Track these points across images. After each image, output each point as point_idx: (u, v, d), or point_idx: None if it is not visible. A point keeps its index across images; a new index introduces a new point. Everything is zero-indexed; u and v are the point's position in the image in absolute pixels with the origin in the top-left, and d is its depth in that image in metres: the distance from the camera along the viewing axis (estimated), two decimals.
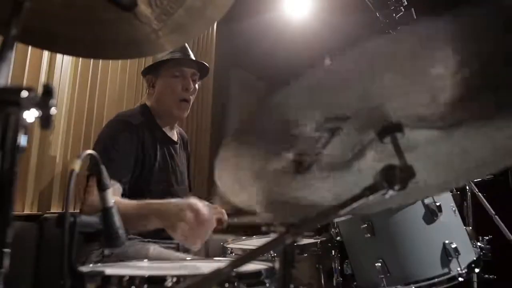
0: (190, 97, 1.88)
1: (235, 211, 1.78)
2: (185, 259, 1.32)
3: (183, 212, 1.28)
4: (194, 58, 1.92)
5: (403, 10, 2.11)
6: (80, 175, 1.54)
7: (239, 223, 1.82)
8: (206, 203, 1.89)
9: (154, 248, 1.56)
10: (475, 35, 0.46)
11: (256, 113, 0.56)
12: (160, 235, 1.68)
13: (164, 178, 1.80)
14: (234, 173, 0.70)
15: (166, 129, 1.91)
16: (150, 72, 1.92)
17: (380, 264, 1.48)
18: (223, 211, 1.90)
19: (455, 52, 0.48)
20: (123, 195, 1.56)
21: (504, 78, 0.55)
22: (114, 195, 0.92)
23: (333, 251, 1.62)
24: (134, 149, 1.68)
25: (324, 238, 1.64)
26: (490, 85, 0.56)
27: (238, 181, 0.72)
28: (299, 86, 0.52)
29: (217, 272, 0.55)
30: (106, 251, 1.56)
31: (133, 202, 1.42)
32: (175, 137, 1.97)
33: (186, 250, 1.79)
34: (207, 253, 1.83)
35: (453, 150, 0.69)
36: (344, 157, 0.69)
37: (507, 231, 2.00)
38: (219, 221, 1.87)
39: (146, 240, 1.65)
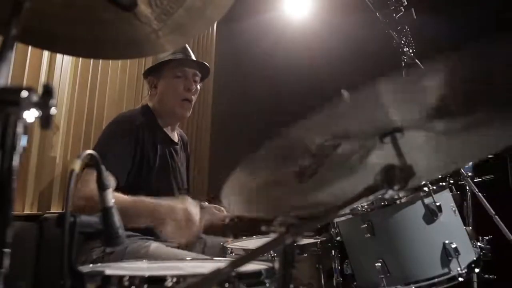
0: (192, 97, 1.90)
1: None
2: (185, 258, 1.32)
3: (175, 212, 1.30)
4: (195, 59, 1.94)
5: (403, 10, 2.11)
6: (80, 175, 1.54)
7: (240, 221, 1.82)
8: (199, 202, 1.90)
9: (154, 246, 1.57)
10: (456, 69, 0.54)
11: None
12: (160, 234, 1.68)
13: (164, 178, 1.81)
14: (240, 193, 0.72)
15: (167, 130, 1.93)
16: (152, 73, 1.93)
17: (380, 264, 1.48)
18: (223, 208, 1.91)
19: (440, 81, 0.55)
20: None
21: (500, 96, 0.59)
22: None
23: (333, 251, 1.62)
24: (133, 150, 1.69)
25: (324, 238, 1.64)
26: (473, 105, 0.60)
27: (242, 197, 0.74)
28: (315, 119, 0.56)
29: (217, 272, 0.55)
30: (107, 249, 1.56)
31: (127, 198, 1.42)
32: (175, 138, 1.98)
33: (186, 248, 1.79)
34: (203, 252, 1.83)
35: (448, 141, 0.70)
36: (349, 160, 0.70)
37: (507, 231, 2.00)
38: (219, 219, 1.87)
39: (145, 237, 1.65)
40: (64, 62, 2.11)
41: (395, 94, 0.56)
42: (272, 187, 0.72)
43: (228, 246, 1.59)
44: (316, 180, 0.71)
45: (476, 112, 0.61)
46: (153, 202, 1.42)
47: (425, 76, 0.54)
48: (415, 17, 2.12)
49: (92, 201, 1.26)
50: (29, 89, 0.51)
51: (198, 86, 1.94)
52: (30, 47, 1.82)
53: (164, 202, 1.39)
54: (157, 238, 1.67)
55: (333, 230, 1.67)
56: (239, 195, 0.73)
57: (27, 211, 1.90)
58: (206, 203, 1.98)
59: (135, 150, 1.70)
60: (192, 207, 1.33)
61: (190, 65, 1.91)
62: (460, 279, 1.44)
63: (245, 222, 1.88)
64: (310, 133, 0.60)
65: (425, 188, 1.51)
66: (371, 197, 0.59)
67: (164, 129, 1.91)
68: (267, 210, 0.80)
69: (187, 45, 1.94)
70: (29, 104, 0.51)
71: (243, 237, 1.81)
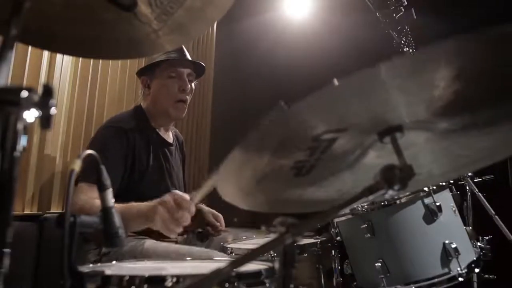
0: (187, 97, 1.86)
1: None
2: (183, 257, 1.32)
3: (163, 198, 1.28)
4: (189, 58, 1.90)
5: (403, 10, 2.11)
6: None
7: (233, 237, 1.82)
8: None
9: (149, 243, 1.56)
10: (472, 55, 0.50)
11: (265, 124, 0.57)
12: (155, 232, 1.67)
13: (158, 181, 1.78)
14: (237, 181, 0.71)
15: (160, 131, 1.89)
16: (145, 73, 1.90)
17: (380, 264, 1.48)
18: (220, 216, 1.89)
19: (452, 68, 0.53)
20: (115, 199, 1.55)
21: (498, 93, 0.58)
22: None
23: (333, 251, 1.62)
24: (124, 155, 1.66)
25: (324, 238, 1.64)
26: (484, 98, 0.59)
27: (240, 188, 0.73)
28: (314, 99, 0.54)
29: (217, 272, 0.55)
30: (104, 250, 1.56)
31: (118, 206, 1.39)
32: (170, 139, 1.94)
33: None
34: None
35: (451, 146, 0.70)
36: (346, 157, 0.70)
37: (507, 231, 2.00)
38: (215, 228, 1.86)
39: (140, 237, 1.64)
40: (64, 62, 2.11)
41: (400, 84, 0.54)
42: (269, 180, 0.72)
43: (228, 246, 1.59)
44: (313, 176, 0.71)
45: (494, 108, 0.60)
46: (143, 203, 1.38)
47: (437, 64, 0.51)
48: (415, 17, 2.12)
49: (84, 210, 1.27)
50: (29, 89, 0.51)
51: (193, 85, 1.90)
52: (30, 47, 1.81)
53: (154, 200, 1.37)
54: (152, 237, 1.66)
55: (333, 230, 1.67)
56: (235, 184, 0.72)
57: (27, 211, 1.90)
58: (203, 205, 1.98)
59: (127, 154, 1.67)
60: (181, 193, 1.30)
61: (184, 64, 1.86)
62: (460, 279, 1.45)
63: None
64: (309, 118, 0.59)
65: (425, 188, 1.51)
66: (371, 197, 0.59)
67: (157, 131, 1.87)
68: (263, 203, 0.79)
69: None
70: (29, 104, 0.51)
71: (243, 237, 1.81)
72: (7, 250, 0.51)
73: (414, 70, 0.53)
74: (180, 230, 1.28)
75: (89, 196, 1.42)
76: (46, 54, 1.97)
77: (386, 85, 0.54)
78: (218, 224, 1.88)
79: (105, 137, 1.69)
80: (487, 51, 0.50)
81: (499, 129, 0.66)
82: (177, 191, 1.31)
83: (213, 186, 1.36)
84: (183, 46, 1.90)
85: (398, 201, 1.51)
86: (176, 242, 1.78)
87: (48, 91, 0.52)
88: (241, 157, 0.64)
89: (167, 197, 1.27)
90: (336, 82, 0.51)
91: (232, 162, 0.64)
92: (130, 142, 1.70)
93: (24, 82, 1.86)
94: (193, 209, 1.28)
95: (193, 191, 1.34)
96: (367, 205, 1.55)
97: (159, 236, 1.67)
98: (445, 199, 1.56)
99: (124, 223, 1.33)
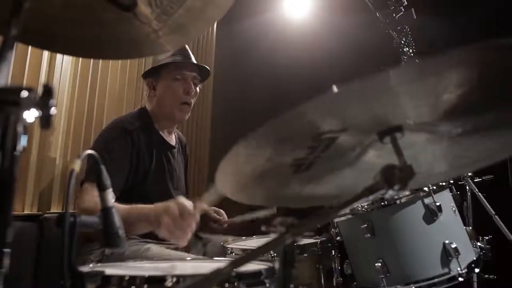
0: (191, 100, 1.88)
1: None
2: (185, 259, 1.32)
3: (168, 209, 1.29)
4: (195, 61, 1.91)
5: (403, 10, 2.11)
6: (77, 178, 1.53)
7: (240, 221, 1.81)
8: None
9: (153, 249, 1.56)
10: (477, 62, 0.52)
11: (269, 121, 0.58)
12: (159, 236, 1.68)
13: (160, 183, 1.78)
14: (237, 177, 0.72)
15: (164, 134, 1.90)
16: (151, 75, 1.90)
17: (380, 264, 1.48)
18: (222, 211, 1.90)
19: (458, 75, 0.54)
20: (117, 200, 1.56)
21: (502, 98, 0.59)
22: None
23: (333, 251, 1.62)
24: (129, 157, 1.67)
25: (324, 238, 1.64)
26: (489, 102, 0.59)
27: (240, 184, 0.74)
28: (318, 101, 0.55)
29: (217, 272, 0.55)
30: (107, 251, 1.56)
31: (121, 207, 1.38)
32: (173, 141, 1.95)
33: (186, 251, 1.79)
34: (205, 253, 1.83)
35: (452, 146, 0.70)
36: (346, 156, 0.70)
37: (507, 231, 2.00)
38: (218, 221, 1.87)
39: (144, 240, 1.64)
40: (64, 62, 2.11)
41: (407, 88, 0.55)
42: (268, 176, 0.72)
43: (228, 246, 1.59)
44: (312, 173, 0.71)
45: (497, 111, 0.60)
46: (146, 206, 1.41)
47: (444, 70, 0.52)
48: (415, 17, 2.12)
49: (90, 211, 1.28)
50: (29, 89, 0.51)
51: (198, 89, 1.91)
52: (30, 47, 1.81)
53: (158, 204, 1.38)
54: (156, 240, 1.67)
55: (333, 230, 1.67)
56: (234, 179, 0.73)
57: (27, 211, 1.90)
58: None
59: (132, 154, 1.68)
60: (186, 201, 1.32)
61: (190, 67, 1.88)
62: (460, 279, 1.45)
63: (242, 225, 1.86)
64: (311, 118, 0.59)
65: (425, 188, 1.51)
66: (371, 197, 0.59)
67: (161, 133, 1.88)
68: (262, 198, 0.80)
69: (187, 47, 1.91)
70: (29, 104, 0.51)
71: (243, 237, 1.81)
72: (7, 250, 0.51)
73: (420, 75, 0.54)
74: (188, 237, 1.31)
75: (94, 196, 1.43)
76: (46, 54, 1.97)
77: (393, 90, 0.54)
78: (221, 218, 1.89)
79: (110, 137, 1.70)
80: (493, 59, 0.51)
81: (500, 132, 0.66)
82: (182, 199, 1.33)
83: (217, 195, 1.37)
84: (189, 50, 1.91)
85: (398, 201, 1.51)
86: (177, 248, 1.78)
87: (48, 91, 0.52)
88: (242, 154, 0.64)
89: (172, 206, 1.29)
90: (335, 88, 0.52)
91: (233, 158, 0.64)
92: (134, 143, 1.71)
93: (24, 82, 1.86)
94: (197, 217, 1.30)
95: (196, 196, 1.36)
96: (367, 205, 1.55)
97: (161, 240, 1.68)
98: (445, 199, 1.56)
99: (128, 225, 1.36)
